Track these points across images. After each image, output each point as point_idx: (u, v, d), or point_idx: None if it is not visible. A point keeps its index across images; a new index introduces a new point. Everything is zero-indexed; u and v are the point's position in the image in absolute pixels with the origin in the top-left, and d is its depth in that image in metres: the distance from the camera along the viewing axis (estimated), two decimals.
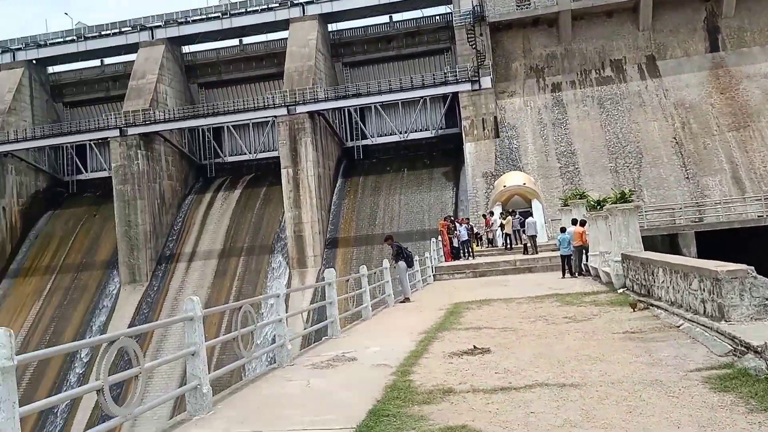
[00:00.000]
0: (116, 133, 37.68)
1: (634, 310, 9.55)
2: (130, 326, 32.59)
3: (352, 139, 43.61)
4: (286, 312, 7.75)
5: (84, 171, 43.70)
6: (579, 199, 18.55)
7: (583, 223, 15.83)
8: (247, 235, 38.03)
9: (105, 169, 42.19)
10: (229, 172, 43.18)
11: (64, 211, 41.07)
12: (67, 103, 45.18)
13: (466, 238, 20.22)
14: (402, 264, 13.66)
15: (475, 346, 7.57)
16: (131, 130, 37.56)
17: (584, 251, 15.93)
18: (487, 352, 7.29)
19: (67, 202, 42.07)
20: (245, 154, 43.58)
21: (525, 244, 21.13)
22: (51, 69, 45.04)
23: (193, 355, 5.35)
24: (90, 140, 40.80)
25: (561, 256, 16.31)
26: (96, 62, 45.57)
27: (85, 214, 40.54)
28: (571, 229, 16.26)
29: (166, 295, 34.63)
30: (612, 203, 12.71)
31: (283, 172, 36.40)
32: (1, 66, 42.18)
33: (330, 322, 9.54)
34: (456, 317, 10.40)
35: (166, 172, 39.42)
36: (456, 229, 20.36)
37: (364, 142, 43.41)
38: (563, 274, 16.17)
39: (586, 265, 16.03)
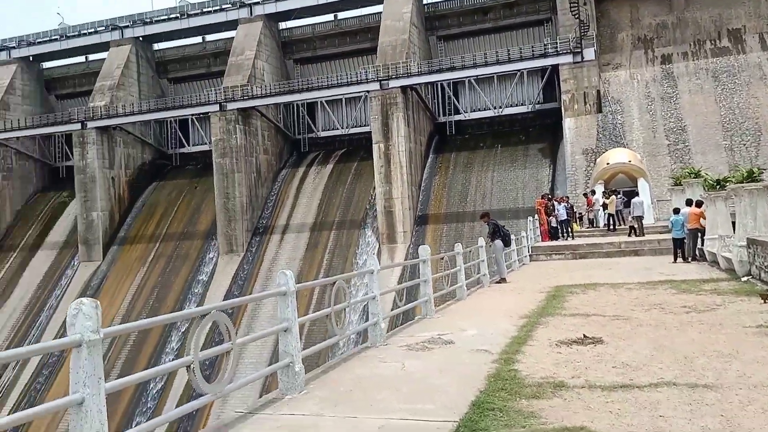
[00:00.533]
0: (216, 108, 38.76)
1: (765, 302, 8.51)
2: (227, 295, 33.79)
3: (444, 115, 42.75)
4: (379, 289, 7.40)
5: (186, 144, 45.44)
6: (694, 177, 17.07)
7: (699, 204, 14.52)
8: (338, 209, 38.29)
9: (206, 143, 43.62)
10: (321, 146, 43.55)
11: (167, 182, 42.95)
12: (171, 79, 46.98)
13: (565, 217, 19.18)
14: (498, 243, 12.99)
15: (585, 335, 6.91)
16: (230, 105, 38.52)
17: (699, 234, 14.63)
18: (599, 343, 6.63)
19: (171, 174, 43.94)
20: (338, 129, 43.76)
21: (632, 226, 19.78)
22: (156, 46, 46.91)
23: (285, 331, 5.08)
24: (192, 115, 42.25)
25: (673, 239, 15.08)
26: (198, 39, 47.03)
27: (187, 185, 42.20)
28: (685, 210, 14.96)
29: (260, 265, 35.55)
30: (737, 182, 11.47)
31: (375, 147, 36.20)
32: (110, 43, 44.35)
33: (424, 301, 9.11)
34: (559, 301, 9.70)
35: (262, 146, 40.26)
36: (554, 208, 19.33)
37: (457, 117, 42.42)
38: (675, 259, 14.96)
39: (700, 249, 14.73)
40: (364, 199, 38.65)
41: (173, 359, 31.25)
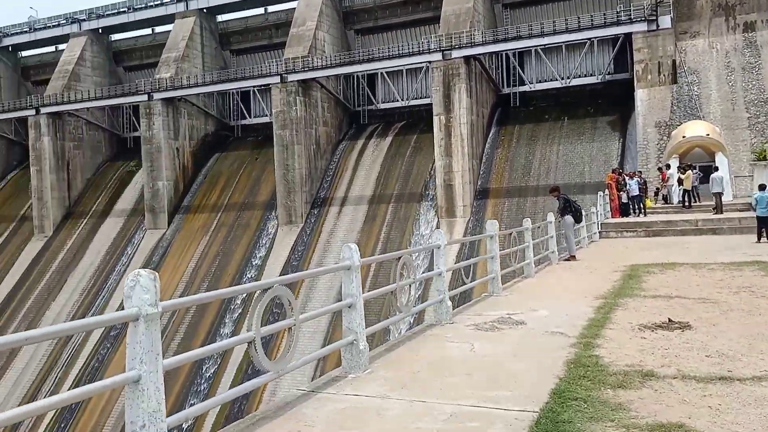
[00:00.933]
0: (277, 80, 38.80)
1: None
2: (285, 265, 34.14)
3: (508, 86, 41.46)
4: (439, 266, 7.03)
5: (247, 116, 45.87)
6: None
7: None
8: (396, 182, 37.94)
9: (266, 115, 43.89)
10: (381, 119, 43.12)
11: (229, 153, 43.55)
12: (233, 51, 47.33)
13: (637, 193, 18.20)
14: (569, 218, 12.34)
15: (670, 319, 6.36)
16: (290, 77, 38.48)
17: None
18: (687, 328, 6.07)
19: (232, 145, 44.52)
20: (398, 101, 43.17)
21: (715, 203, 18.57)
22: (219, 18, 47.26)
23: (350, 307, 4.79)
24: (253, 86, 42.49)
25: (757, 217, 14.04)
26: (260, 10, 47.09)
27: (248, 157, 42.68)
28: None
29: (318, 237, 35.71)
30: None
31: (435, 119, 35.52)
32: (176, 15, 44.91)
33: (491, 278, 8.66)
34: (636, 282, 9.08)
35: (322, 118, 40.17)
36: (625, 183, 18.36)
37: (522, 88, 41.08)
38: (758, 238, 13.95)
39: None
40: (423, 172, 38.14)
41: (230, 335, 31.87)
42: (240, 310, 32.75)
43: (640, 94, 33.52)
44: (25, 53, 53.65)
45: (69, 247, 40.65)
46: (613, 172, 20.10)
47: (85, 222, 42.10)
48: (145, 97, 41.58)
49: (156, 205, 39.99)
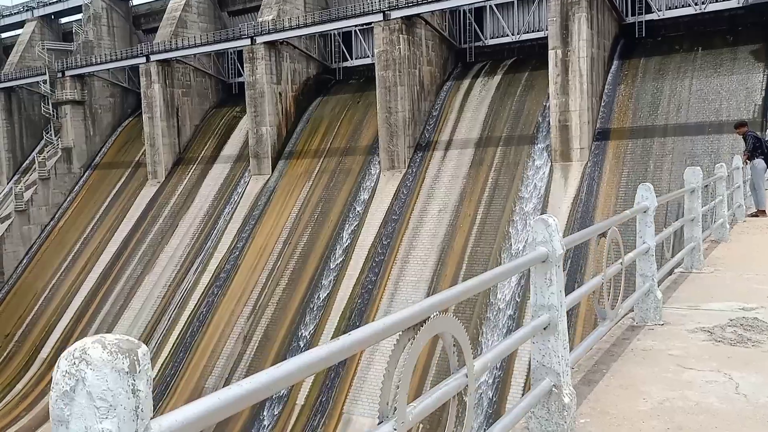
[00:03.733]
0: (380, 17, 37.00)
1: None
2: (388, 212, 33.03)
3: (633, 14, 37.27)
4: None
5: (349, 58, 44.55)
6: None
7: None
8: (505, 124, 35.48)
9: (368, 56, 42.48)
10: (489, 56, 40.35)
11: (331, 97, 42.64)
12: None
13: None
14: (760, 163, 9.85)
15: None
16: (394, 14, 36.55)
17: None
18: None
19: (334, 88, 43.54)
20: (507, 36, 40.12)
21: None
22: None
23: (545, 328, 3.18)
24: (355, 26, 40.99)
25: None
26: None
27: (350, 100, 41.57)
28: None
29: (422, 182, 34.27)
30: None
31: (551, 54, 32.46)
32: None
33: (690, 248, 6.31)
34: None
35: (426, 57, 38.09)
36: None
37: (649, 16, 36.78)
38: None
39: None
40: (535, 112, 35.38)
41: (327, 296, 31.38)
42: (339, 267, 32.12)
43: None
44: (135, 2, 54.94)
45: (180, 192, 41.81)
46: None
47: (194, 168, 43.05)
48: (248, 41, 41.19)
49: (260, 150, 39.99)
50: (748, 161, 9.81)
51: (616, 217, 4.02)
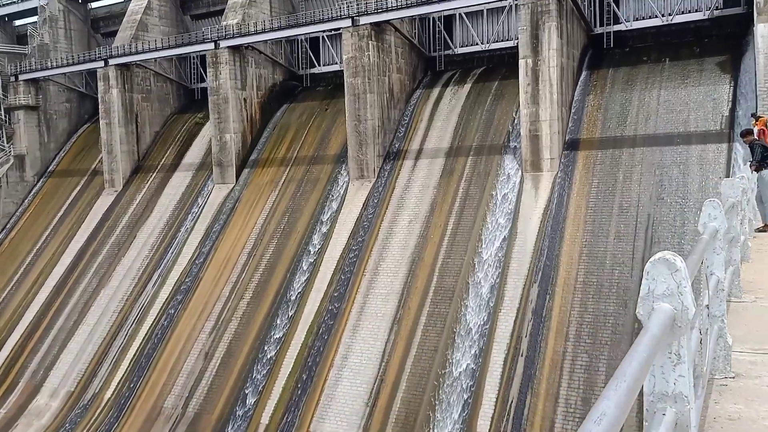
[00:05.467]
0: (348, 23, 36.26)
1: None
2: (357, 223, 32.14)
3: (601, 25, 37.32)
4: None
5: (317, 64, 43.68)
6: None
7: None
8: (476, 133, 35.07)
9: (336, 63, 41.71)
10: (458, 64, 39.98)
11: (298, 104, 41.68)
12: None
13: None
14: None
15: None
16: (363, 20, 35.85)
17: None
18: None
19: (301, 95, 42.60)
20: (477, 44, 39.80)
21: None
22: None
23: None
24: (323, 32, 40.19)
25: None
26: None
27: (317, 107, 40.67)
28: None
29: (392, 192, 33.52)
30: None
31: (521, 63, 32.14)
32: None
33: (731, 272, 5.09)
34: None
35: (395, 64, 37.48)
36: None
37: (617, 27, 36.87)
38: None
39: None
40: (505, 122, 35.04)
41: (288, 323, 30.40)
42: (305, 280, 31.08)
43: (761, 29, 29.06)
44: (94, 4, 53.12)
45: (138, 202, 40.19)
46: (755, 118, 16.64)
47: (153, 176, 41.49)
48: (211, 45, 39.98)
49: (224, 158, 38.73)
50: (756, 172, 9.25)
51: (701, 246, 3.18)
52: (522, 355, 23.61)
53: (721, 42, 33.99)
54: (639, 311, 2.15)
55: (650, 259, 2.22)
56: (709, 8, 35.31)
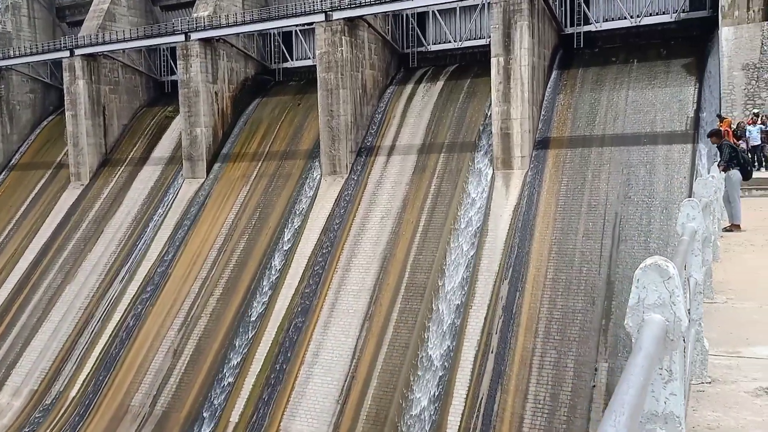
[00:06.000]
0: (321, 17, 36.04)
1: None
2: (329, 219, 32.03)
3: (571, 25, 37.76)
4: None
5: (289, 59, 43.34)
6: None
7: None
8: (448, 130, 35.23)
9: (309, 58, 41.46)
10: (431, 62, 40.08)
11: (270, 98, 41.29)
12: None
13: (758, 142, 15.17)
14: (736, 174, 9.41)
15: None
16: (336, 15, 35.66)
17: None
18: None
19: (274, 90, 42.21)
20: (450, 42, 39.95)
21: None
22: None
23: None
24: (296, 26, 39.85)
25: None
26: None
27: (290, 102, 40.37)
28: None
29: (364, 189, 33.48)
30: None
31: (493, 61, 32.36)
32: None
33: (703, 273, 5.14)
34: None
35: (369, 60, 37.39)
36: (744, 131, 15.35)
37: (587, 28, 37.35)
38: None
39: None
40: (477, 120, 35.28)
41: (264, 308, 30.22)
42: (276, 276, 30.85)
43: (725, 33, 29.75)
44: None
45: (106, 196, 39.40)
46: (720, 118, 17.02)
47: (121, 170, 40.70)
48: (182, 38, 39.34)
49: (194, 152, 38.20)
50: (723, 172, 9.47)
51: (683, 248, 3.22)
52: (492, 352, 23.85)
53: (687, 44, 34.68)
54: (628, 323, 2.09)
55: (641, 265, 2.14)
56: (676, 11, 36.03)
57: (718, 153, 9.61)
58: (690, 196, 21.97)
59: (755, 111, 24.01)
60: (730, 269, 6.65)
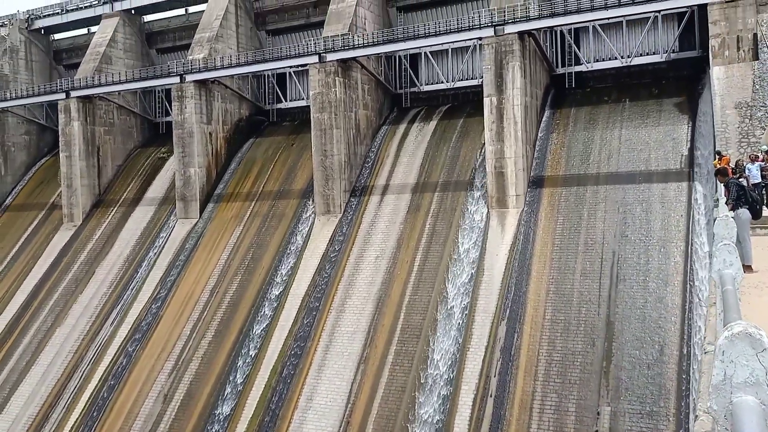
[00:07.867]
0: (315, 59, 36.39)
1: None
2: (323, 259, 31.71)
3: (563, 65, 38.22)
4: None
5: (283, 100, 43.65)
6: None
7: None
8: (442, 170, 35.27)
9: (303, 98, 41.77)
10: (424, 102, 40.41)
11: (264, 139, 41.43)
12: (269, 31, 45.09)
13: (759, 180, 15.00)
14: (745, 213, 9.02)
15: None
16: (329, 56, 36.02)
17: None
18: None
19: (268, 130, 42.40)
20: (442, 82, 40.32)
21: None
22: None
23: None
24: (290, 67, 40.24)
25: None
26: None
27: (284, 142, 40.48)
28: None
29: (358, 228, 33.28)
30: None
31: (486, 101, 32.60)
32: None
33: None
34: None
35: (362, 101, 37.66)
36: (744, 169, 15.22)
37: (578, 68, 37.79)
38: None
39: None
40: (471, 159, 35.35)
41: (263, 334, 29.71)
42: (269, 318, 30.37)
43: (717, 72, 30.07)
44: (57, 36, 52.42)
45: (98, 237, 39.08)
46: (719, 158, 16.89)
47: (114, 210, 40.50)
48: (177, 79, 39.63)
49: (187, 193, 38.08)
50: (732, 211, 9.20)
51: (732, 300, 3.00)
52: (491, 396, 23.31)
53: (678, 83, 35.05)
54: (712, 406, 1.68)
55: (726, 334, 1.73)
56: (666, 51, 36.52)
57: (725, 191, 9.34)
58: (688, 236, 21.71)
59: (764, 148, 23.45)
60: (749, 315, 6.34)
